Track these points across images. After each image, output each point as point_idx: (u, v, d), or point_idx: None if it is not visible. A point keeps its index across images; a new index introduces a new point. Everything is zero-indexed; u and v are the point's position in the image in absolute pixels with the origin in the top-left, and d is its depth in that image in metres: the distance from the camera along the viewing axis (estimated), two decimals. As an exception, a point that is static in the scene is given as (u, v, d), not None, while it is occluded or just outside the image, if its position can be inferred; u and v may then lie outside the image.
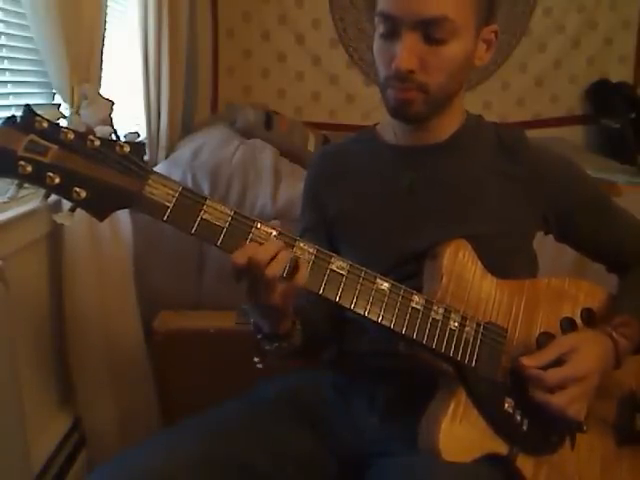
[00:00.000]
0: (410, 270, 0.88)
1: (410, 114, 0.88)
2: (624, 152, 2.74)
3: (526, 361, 0.80)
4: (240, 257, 0.70)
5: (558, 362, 0.80)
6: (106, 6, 1.41)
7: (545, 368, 0.80)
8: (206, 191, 1.66)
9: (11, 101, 1.29)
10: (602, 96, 2.97)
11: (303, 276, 0.73)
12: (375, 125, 1.04)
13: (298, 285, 0.73)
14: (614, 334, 0.86)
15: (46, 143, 0.65)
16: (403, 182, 0.94)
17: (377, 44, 0.88)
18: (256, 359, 0.86)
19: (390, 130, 0.99)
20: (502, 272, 0.87)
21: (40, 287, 1.33)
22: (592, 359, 0.82)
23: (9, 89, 1.29)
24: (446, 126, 0.94)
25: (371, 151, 1.01)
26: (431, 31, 0.82)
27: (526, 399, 0.81)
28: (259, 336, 0.85)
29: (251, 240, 0.72)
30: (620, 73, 3.02)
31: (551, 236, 0.99)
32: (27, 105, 0.66)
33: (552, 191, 0.93)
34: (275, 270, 0.71)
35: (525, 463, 0.81)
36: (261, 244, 0.71)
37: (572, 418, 0.80)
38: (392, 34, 0.84)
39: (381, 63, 0.88)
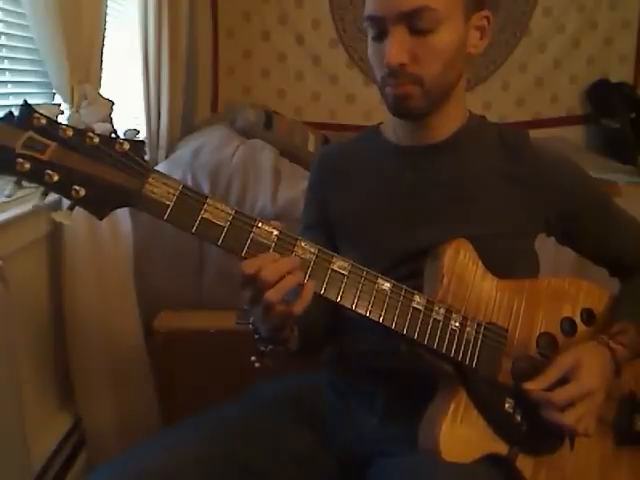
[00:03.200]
0: (411, 270, 0.88)
1: (410, 109, 0.88)
2: (624, 152, 2.74)
3: (530, 385, 0.80)
4: (249, 267, 0.69)
5: (563, 380, 0.80)
6: (106, 6, 1.41)
7: (551, 388, 0.80)
8: (206, 191, 1.66)
9: (11, 101, 1.29)
10: (602, 96, 2.96)
11: (300, 306, 0.72)
12: (379, 124, 1.04)
13: (295, 313, 0.72)
14: (611, 343, 0.86)
15: (45, 140, 0.64)
16: (404, 182, 0.94)
17: (370, 48, 0.89)
18: (253, 358, 0.86)
19: (392, 129, 0.99)
20: (503, 273, 0.87)
21: (40, 287, 1.33)
22: (595, 374, 0.82)
23: (9, 89, 1.29)
24: (447, 125, 0.94)
25: (374, 150, 1.01)
26: (415, 22, 0.82)
27: (526, 400, 0.81)
28: (256, 337, 0.85)
29: (252, 240, 0.71)
30: (620, 73, 3.02)
31: (552, 238, 0.99)
32: (25, 101, 0.65)
33: (554, 193, 0.93)
34: (276, 296, 0.70)
35: (525, 463, 0.81)
36: (276, 260, 0.70)
37: (582, 434, 0.80)
38: (381, 35, 0.85)
39: (376, 65, 0.89)
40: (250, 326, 0.85)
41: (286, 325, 0.81)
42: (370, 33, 0.88)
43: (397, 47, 0.83)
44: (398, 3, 0.82)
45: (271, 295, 0.70)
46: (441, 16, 0.82)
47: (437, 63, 0.84)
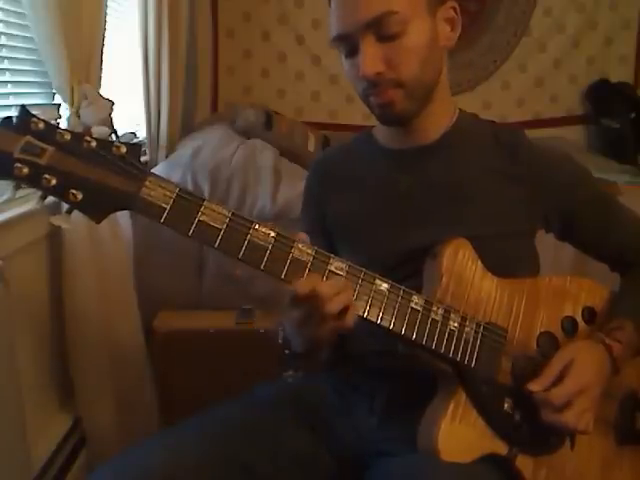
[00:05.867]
0: (409, 271, 0.88)
1: (396, 114, 0.88)
2: (624, 152, 2.74)
3: (534, 387, 0.80)
4: (303, 287, 0.70)
5: (558, 379, 0.80)
6: (106, 6, 1.41)
7: (548, 388, 0.79)
8: (206, 191, 1.66)
9: (11, 101, 1.29)
10: (602, 96, 2.96)
11: (352, 317, 0.73)
12: (372, 127, 1.04)
13: (348, 325, 0.73)
14: (606, 340, 0.85)
15: (42, 144, 0.64)
16: (398, 185, 0.94)
17: (345, 65, 0.89)
18: (286, 374, 0.87)
19: (382, 133, 0.99)
20: (502, 272, 0.87)
21: (40, 287, 1.33)
22: (589, 368, 0.81)
23: (9, 89, 1.29)
24: (435, 125, 0.94)
25: (368, 154, 1.01)
26: (381, 29, 0.82)
27: (525, 400, 0.81)
28: (286, 352, 0.85)
29: (249, 242, 0.71)
30: (620, 73, 3.02)
31: (551, 234, 0.99)
32: (23, 106, 0.65)
33: (554, 191, 0.93)
34: (335, 307, 0.71)
35: (525, 463, 0.81)
36: (326, 278, 0.72)
37: (583, 431, 0.79)
38: (352, 51, 0.86)
39: (354, 80, 0.88)
40: (280, 341, 0.86)
41: (328, 339, 0.80)
42: (342, 52, 0.88)
43: (370, 57, 0.83)
44: (360, 15, 0.82)
45: (332, 306, 0.71)
46: (405, 17, 0.82)
47: (413, 63, 0.84)
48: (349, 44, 0.85)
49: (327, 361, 0.91)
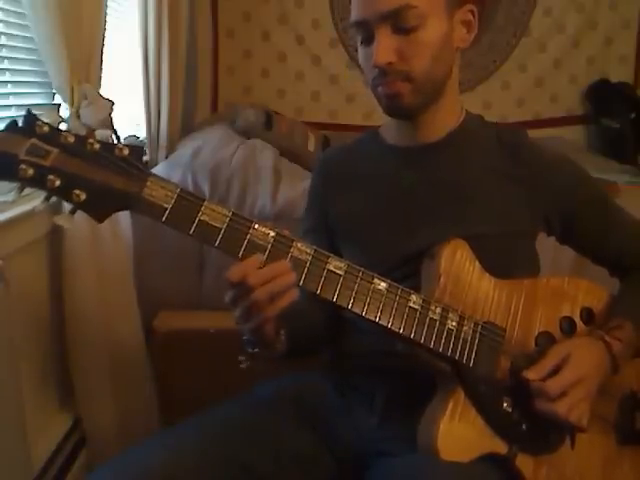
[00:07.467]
0: (412, 270, 0.88)
1: (402, 107, 0.89)
2: (624, 152, 2.74)
3: (530, 375, 0.80)
4: (235, 275, 0.70)
5: (554, 371, 0.81)
6: (106, 6, 1.41)
7: (546, 378, 0.80)
8: (206, 191, 1.66)
9: (11, 101, 1.29)
10: (602, 96, 2.96)
11: (286, 300, 0.73)
12: (379, 127, 1.05)
13: (274, 313, 0.73)
14: (606, 337, 0.86)
15: (47, 147, 0.66)
16: (403, 183, 0.95)
17: (360, 53, 0.91)
18: (241, 358, 0.86)
19: (389, 131, 1.00)
20: (502, 272, 0.87)
21: (40, 287, 1.33)
22: (586, 362, 0.82)
23: (9, 89, 1.29)
24: (442, 123, 0.95)
25: (374, 152, 1.01)
26: (398, 21, 0.84)
27: (525, 399, 0.81)
28: (244, 338, 0.85)
29: (248, 241, 0.72)
30: (620, 73, 3.01)
31: (552, 237, 0.99)
32: (29, 109, 0.67)
33: (553, 192, 0.93)
34: (259, 297, 0.71)
35: (524, 462, 0.81)
36: (261, 266, 0.71)
37: (575, 424, 0.79)
38: (368, 38, 0.87)
39: (366, 67, 0.90)
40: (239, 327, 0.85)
41: (261, 328, 0.79)
42: (358, 39, 0.90)
43: (383, 47, 0.84)
44: (379, 5, 0.83)
45: (257, 295, 0.71)
46: (423, 13, 0.84)
47: (424, 59, 0.86)
48: (365, 31, 0.87)
49: (290, 354, 0.90)
